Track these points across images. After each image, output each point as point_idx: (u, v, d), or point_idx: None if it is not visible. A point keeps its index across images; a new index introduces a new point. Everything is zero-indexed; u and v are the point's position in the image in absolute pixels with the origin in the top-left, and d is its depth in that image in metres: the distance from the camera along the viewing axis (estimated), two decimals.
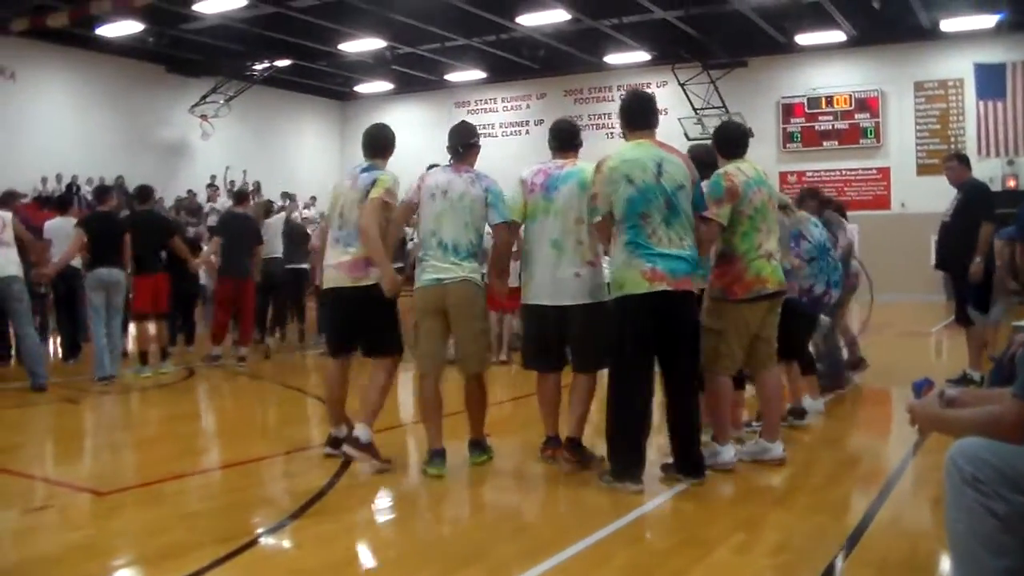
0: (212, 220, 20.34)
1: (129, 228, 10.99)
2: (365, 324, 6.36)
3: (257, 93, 28.90)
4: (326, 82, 29.80)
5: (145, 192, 11.86)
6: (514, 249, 6.64)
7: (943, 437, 3.35)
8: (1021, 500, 2.86)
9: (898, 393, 8.53)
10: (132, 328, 12.78)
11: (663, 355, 5.80)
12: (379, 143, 6.60)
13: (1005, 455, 2.91)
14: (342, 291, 6.31)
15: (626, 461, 5.67)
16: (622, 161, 5.71)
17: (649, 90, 27.70)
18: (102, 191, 11.80)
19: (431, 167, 6.81)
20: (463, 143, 6.39)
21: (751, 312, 6.12)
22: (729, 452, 6.15)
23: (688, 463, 5.80)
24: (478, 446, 6.44)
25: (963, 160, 9.82)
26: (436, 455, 6.07)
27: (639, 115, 6.02)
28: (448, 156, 6.43)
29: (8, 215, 10.31)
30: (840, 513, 5.44)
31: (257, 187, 24.97)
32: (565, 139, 6.42)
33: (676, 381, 5.85)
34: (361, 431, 6.13)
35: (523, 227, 6.30)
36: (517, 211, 6.22)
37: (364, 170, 6.40)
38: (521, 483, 6.13)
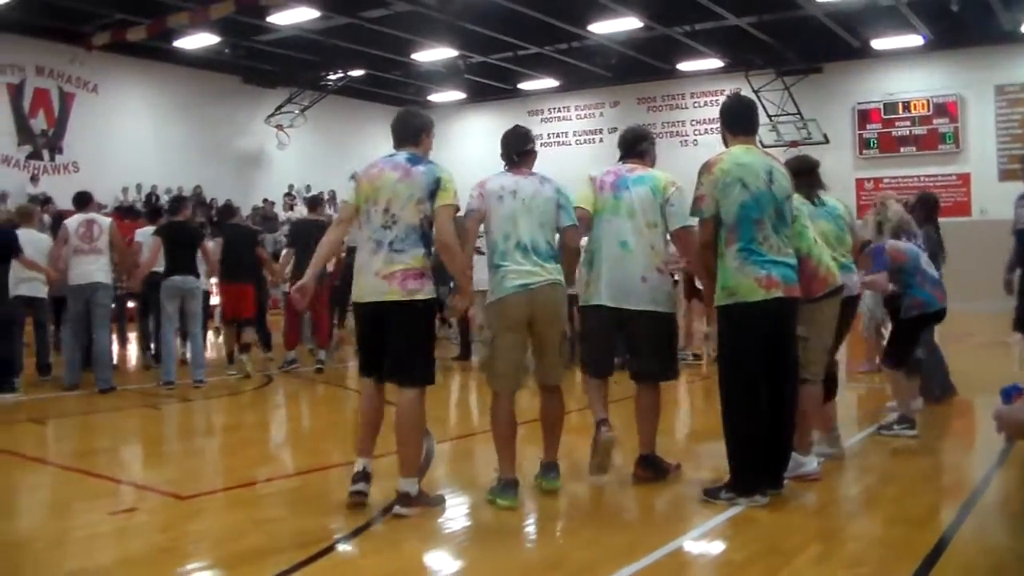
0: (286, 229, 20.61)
1: (220, 238, 11.55)
2: (403, 345, 5.45)
3: (331, 103, 29.23)
4: (399, 91, 30.03)
5: (228, 210, 12.63)
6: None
7: None
8: None
9: (981, 403, 8.37)
10: (211, 335, 13.10)
11: (767, 361, 5.56)
12: (412, 129, 5.71)
13: None
14: (388, 306, 5.39)
15: (755, 475, 5.49)
16: (735, 165, 5.52)
17: (722, 97, 27.85)
18: (177, 201, 12.13)
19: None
20: (519, 150, 5.93)
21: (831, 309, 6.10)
22: (813, 463, 6.08)
23: (775, 475, 5.66)
24: (553, 469, 5.91)
25: None
26: (509, 485, 5.57)
27: (745, 119, 5.88)
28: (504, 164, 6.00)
29: (107, 221, 10.62)
30: (921, 525, 5.34)
31: (332, 195, 25.20)
32: (627, 145, 6.33)
33: (781, 389, 5.62)
34: (408, 485, 5.37)
35: (591, 226, 6.07)
36: (587, 201, 6.02)
37: (412, 161, 5.52)
38: (593, 491, 6.04)
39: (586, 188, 6.09)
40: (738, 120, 5.85)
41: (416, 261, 5.38)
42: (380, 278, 5.37)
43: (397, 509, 5.33)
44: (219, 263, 11.89)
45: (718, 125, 6.02)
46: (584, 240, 6.09)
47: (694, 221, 5.76)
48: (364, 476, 5.48)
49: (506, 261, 5.64)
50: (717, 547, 4.89)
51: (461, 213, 5.73)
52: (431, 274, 5.49)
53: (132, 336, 14.75)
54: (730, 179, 5.46)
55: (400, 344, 5.44)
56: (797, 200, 6.01)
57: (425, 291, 5.41)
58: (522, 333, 5.70)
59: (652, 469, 6.04)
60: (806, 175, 6.50)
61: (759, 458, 5.50)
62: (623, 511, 5.70)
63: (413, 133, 5.69)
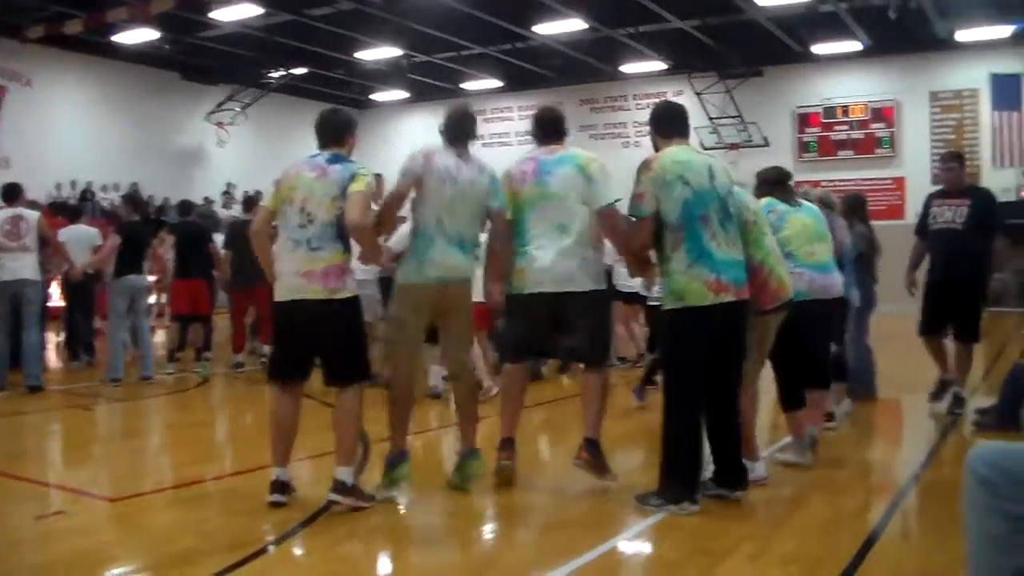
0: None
1: (174, 235, 11.63)
2: (335, 345, 5.46)
3: (273, 101, 28.99)
4: (342, 90, 29.85)
5: (186, 206, 12.83)
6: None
7: (960, 449, 3.35)
8: None
9: (909, 403, 8.50)
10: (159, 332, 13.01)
11: (716, 366, 5.48)
12: (336, 129, 5.70)
13: (1019, 460, 3.00)
14: (309, 305, 5.34)
15: (688, 482, 5.38)
16: (675, 162, 5.42)
17: (664, 99, 27.95)
18: (133, 201, 12.14)
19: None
20: (471, 134, 5.99)
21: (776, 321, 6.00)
22: (762, 467, 6.08)
23: (734, 475, 5.64)
24: (471, 454, 5.92)
25: (963, 161, 9.24)
26: (403, 456, 5.79)
27: (677, 122, 5.77)
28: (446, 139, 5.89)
29: (35, 216, 10.43)
30: (852, 523, 5.42)
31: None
32: (547, 127, 6.21)
33: (726, 393, 5.59)
34: (345, 474, 5.36)
35: (515, 221, 5.91)
36: (505, 203, 5.89)
37: (332, 160, 5.49)
38: (527, 493, 5.97)
39: (502, 190, 5.93)
40: (670, 123, 5.76)
41: (335, 258, 5.35)
42: (299, 277, 5.34)
43: (332, 496, 5.31)
44: (173, 260, 11.96)
45: (665, 100, 6.05)
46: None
47: (614, 198, 5.81)
48: (281, 487, 5.45)
49: (431, 247, 5.64)
50: (651, 547, 4.92)
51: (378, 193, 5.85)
52: (351, 269, 5.50)
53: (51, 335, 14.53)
54: (670, 176, 5.35)
55: (328, 344, 5.46)
56: (764, 205, 6.05)
57: (348, 288, 5.40)
58: (426, 319, 5.82)
59: (595, 455, 5.85)
60: (781, 183, 6.53)
61: (693, 465, 5.43)
62: (557, 512, 5.64)
63: (337, 132, 5.69)
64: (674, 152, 5.53)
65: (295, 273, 5.35)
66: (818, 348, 6.81)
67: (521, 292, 5.87)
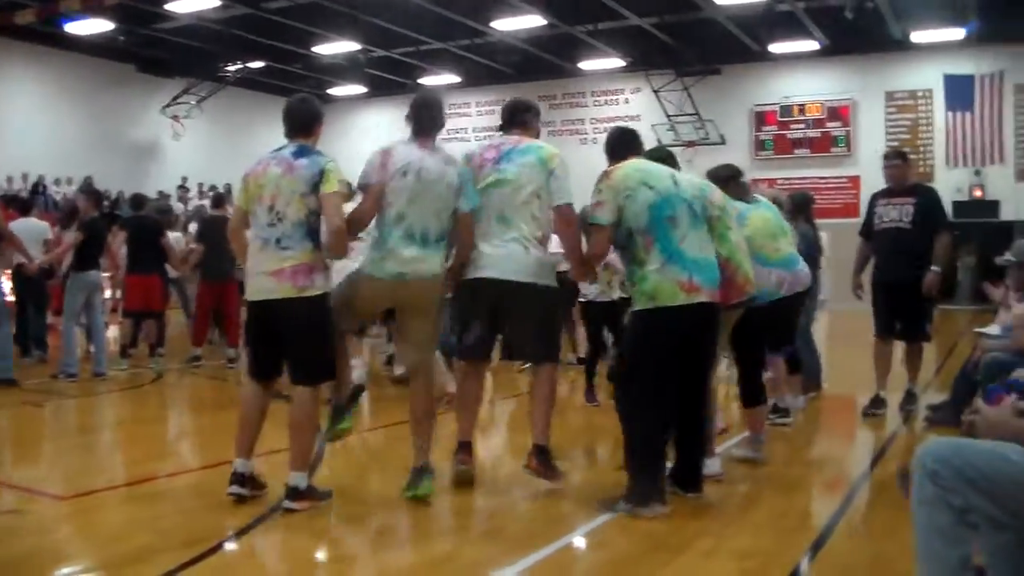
0: (192, 223, 20.31)
1: (126, 230, 11.71)
2: (306, 344, 5.37)
3: (229, 94, 28.80)
4: (299, 84, 29.65)
5: (138, 200, 12.46)
6: None
7: (911, 445, 3.41)
8: (976, 497, 3.04)
9: (863, 400, 8.58)
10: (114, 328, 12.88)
11: (685, 367, 5.43)
12: (304, 118, 5.56)
13: (967, 455, 3.08)
14: (278, 304, 5.28)
15: (656, 483, 5.31)
16: (635, 170, 5.44)
17: (622, 96, 28.08)
18: (95, 195, 12.03)
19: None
20: (438, 123, 5.74)
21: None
22: (716, 464, 6.09)
23: (691, 478, 5.62)
24: (424, 473, 5.56)
25: (907, 159, 9.08)
26: (351, 397, 5.85)
27: (630, 144, 5.82)
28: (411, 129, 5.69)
29: None
30: (806, 518, 5.49)
31: (229, 190, 24.83)
32: (509, 115, 6.14)
33: (695, 394, 5.57)
34: (299, 479, 5.29)
35: None
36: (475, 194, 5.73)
37: (297, 154, 5.36)
38: (483, 490, 5.94)
39: (474, 189, 5.75)
40: (625, 146, 5.80)
41: (305, 256, 5.24)
42: (268, 276, 5.26)
43: (286, 503, 5.23)
44: (126, 255, 11.75)
45: (616, 126, 6.02)
46: None
47: (571, 198, 5.72)
48: (241, 478, 5.38)
49: (390, 242, 5.42)
50: (606, 543, 4.92)
51: (354, 187, 5.72)
52: (324, 268, 5.37)
53: None
54: (633, 183, 5.35)
55: (296, 342, 5.35)
56: (727, 202, 6.05)
57: (317, 286, 5.29)
58: (372, 311, 5.90)
59: (544, 462, 5.73)
60: (733, 179, 6.54)
61: (660, 466, 5.40)
62: (514, 510, 5.63)
63: (305, 122, 5.55)
64: (634, 162, 5.57)
65: (264, 272, 5.28)
66: (790, 341, 7.09)
67: (466, 278, 5.73)
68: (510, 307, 5.73)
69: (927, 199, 8.55)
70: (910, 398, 8.53)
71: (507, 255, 5.61)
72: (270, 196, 5.28)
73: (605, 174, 5.49)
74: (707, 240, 5.52)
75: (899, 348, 8.64)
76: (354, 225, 5.50)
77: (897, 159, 8.84)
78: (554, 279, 5.88)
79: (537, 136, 6.10)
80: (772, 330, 6.62)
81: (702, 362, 5.59)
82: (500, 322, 5.87)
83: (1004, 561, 3.20)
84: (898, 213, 8.44)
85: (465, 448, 5.87)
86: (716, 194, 5.89)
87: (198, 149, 28.74)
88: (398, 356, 5.91)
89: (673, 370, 5.35)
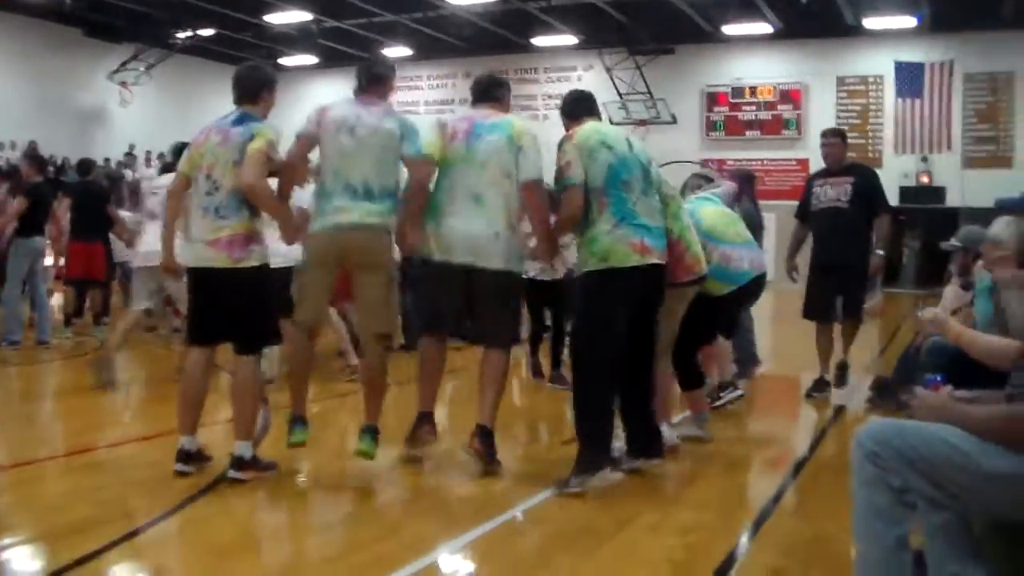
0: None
1: (71, 196, 11.51)
2: (243, 313, 5.31)
3: (179, 62, 28.41)
4: (250, 53, 29.18)
5: (85, 166, 12.20)
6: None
7: (850, 426, 3.46)
8: (914, 477, 3.11)
9: (806, 379, 8.66)
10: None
11: (635, 330, 5.42)
12: (250, 85, 5.48)
13: (907, 437, 3.14)
14: (214, 273, 5.24)
15: (606, 449, 5.36)
16: (595, 131, 5.46)
17: (575, 74, 28.02)
18: (37, 161, 11.79)
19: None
20: (369, 74, 5.61)
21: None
22: (673, 434, 6.15)
23: (651, 442, 5.63)
24: (370, 432, 5.48)
25: (845, 138, 8.88)
26: (297, 421, 5.49)
27: (585, 102, 5.82)
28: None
29: None
30: (749, 495, 5.56)
31: (175, 150, 24.52)
32: (481, 89, 5.97)
33: (644, 358, 5.59)
34: (244, 448, 5.26)
35: (436, 175, 5.66)
36: (433, 148, 5.57)
37: (236, 122, 5.31)
38: (428, 466, 5.88)
39: (433, 136, 5.64)
40: (580, 104, 5.80)
41: (241, 226, 5.21)
42: (206, 245, 5.23)
43: (231, 473, 5.20)
44: (70, 221, 11.52)
45: (573, 89, 6.02)
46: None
47: (541, 175, 5.60)
48: (186, 455, 5.33)
49: (331, 200, 5.36)
50: (548, 518, 4.93)
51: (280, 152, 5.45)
52: (261, 237, 5.34)
53: None
54: (594, 142, 5.36)
55: (234, 313, 5.29)
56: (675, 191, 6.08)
57: (253, 257, 5.25)
58: (330, 271, 5.51)
59: (487, 444, 5.56)
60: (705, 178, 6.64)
61: (609, 431, 5.40)
62: (457, 485, 5.56)
63: (252, 89, 5.46)
64: (591, 124, 5.59)
65: (202, 241, 5.25)
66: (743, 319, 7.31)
67: (431, 258, 5.62)
68: (475, 292, 5.62)
69: (865, 179, 8.48)
70: (842, 370, 8.51)
71: (477, 239, 5.50)
72: (208, 165, 5.26)
73: (567, 136, 5.49)
74: (658, 208, 5.56)
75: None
76: (284, 174, 5.47)
77: (834, 137, 8.71)
78: (522, 264, 5.86)
79: (507, 111, 5.96)
80: (728, 314, 6.71)
81: (650, 326, 5.61)
82: (465, 305, 5.74)
83: (942, 541, 3.26)
84: (835, 193, 8.35)
85: (426, 419, 5.80)
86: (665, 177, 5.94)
87: (146, 116, 28.33)
88: (358, 320, 5.74)
89: (624, 333, 5.34)
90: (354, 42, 28.21)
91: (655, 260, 5.36)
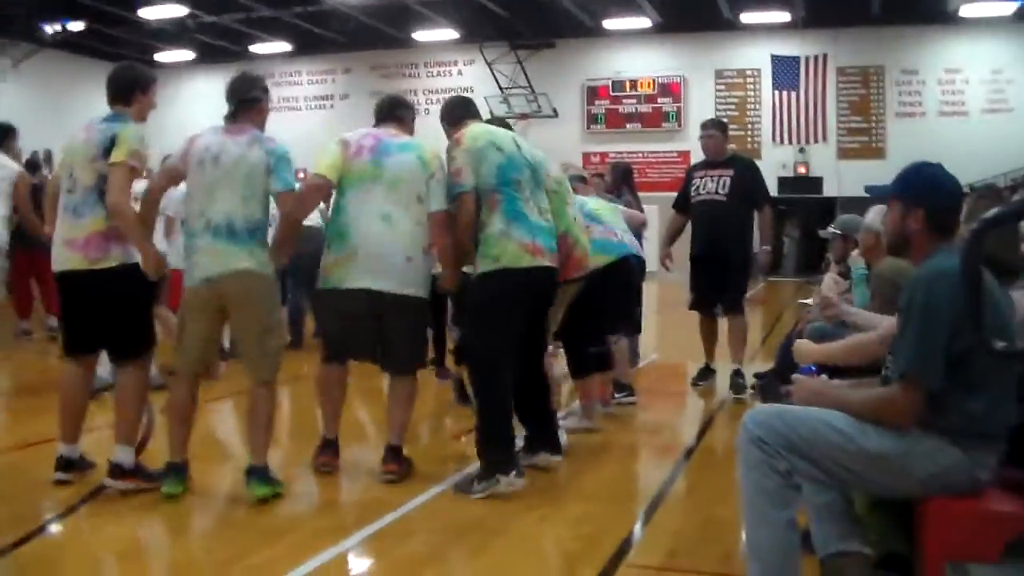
0: None
1: None
2: (111, 319, 5.00)
3: (47, 57, 27.51)
4: (124, 49, 28.56)
5: None
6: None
7: (737, 413, 3.51)
8: (798, 460, 3.19)
9: (694, 368, 8.77)
10: None
11: (528, 331, 5.37)
12: (121, 85, 5.15)
13: (788, 421, 3.23)
14: (77, 276, 4.95)
15: (510, 453, 5.19)
16: (483, 131, 5.41)
17: (456, 68, 27.93)
18: None
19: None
20: (239, 98, 5.20)
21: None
22: (563, 435, 6.14)
23: (552, 440, 5.64)
24: (261, 475, 5.00)
25: (725, 129, 8.66)
26: (173, 469, 5.00)
27: (466, 106, 5.73)
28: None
29: None
30: (641, 483, 5.61)
31: (48, 156, 23.85)
32: (384, 109, 5.69)
33: (536, 358, 5.60)
34: (124, 454, 4.97)
35: (337, 195, 5.40)
36: (332, 169, 5.27)
37: (104, 120, 5.03)
38: (311, 474, 5.62)
39: (333, 154, 5.33)
40: (460, 110, 5.68)
41: (98, 224, 4.89)
42: (66, 245, 4.96)
43: (107, 481, 4.95)
44: None
45: (451, 95, 5.93)
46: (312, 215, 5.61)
47: (444, 205, 5.34)
48: (66, 463, 5.08)
49: (195, 243, 4.99)
50: (443, 511, 4.90)
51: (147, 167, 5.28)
52: (121, 238, 4.93)
53: None
54: (483, 143, 5.30)
55: (99, 317, 5.01)
56: (564, 178, 6.07)
57: (112, 257, 4.90)
58: (212, 318, 5.09)
59: (400, 462, 5.38)
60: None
61: (512, 434, 5.27)
62: (354, 481, 5.52)
63: (125, 89, 5.15)
64: (478, 125, 5.55)
65: (61, 242, 5.00)
66: (632, 301, 7.45)
67: (337, 287, 5.29)
68: (386, 318, 5.33)
69: (745, 171, 8.34)
70: (737, 377, 8.17)
71: (386, 264, 5.21)
72: (69, 163, 5.04)
73: (455, 141, 5.38)
74: (547, 208, 5.51)
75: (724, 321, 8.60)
76: (145, 204, 5.20)
77: (714, 128, 8.52)
78: (428, 288, 5.51)
79: (411, 133, 5.70)
80: (616, 301, 6.79)
81: (541, 326, 5.62)
82: (373, 330, 5.39)
83: (828, 521, 3.36)
84: (715, 185, 8.20)
85: (329, 447, 5.51)
86: (554, 167, 5.92)
87: (13, 113, 27.08)
88: (243, 364, 5.29)
89: (519, 334, 5.28)
90: (232, 37, 27.76)
91: (547, 263, 5.30)
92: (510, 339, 5.25)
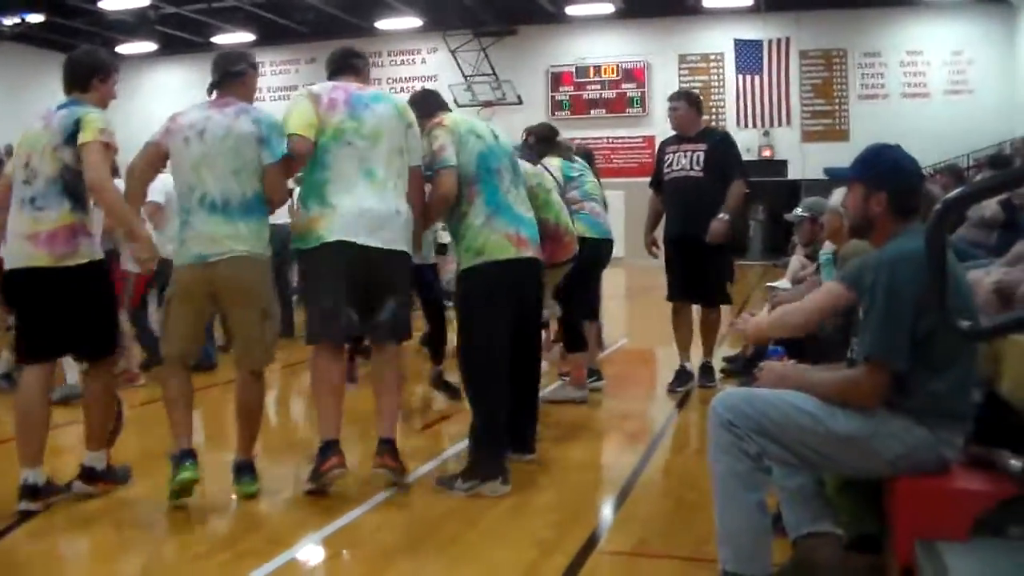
0: None
1: None
2: (81, 320, 4.67)
3: (6, 51, 27.18)
4: (84, 41, 28.23)
5: None
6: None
7: (706, 398, 3.52)
8: (768, 443, 3.21)
9: (664, 354, 8.78)
10: None
11: (519, 324, 5.17)
12: (81, 70, 4.81)
13: (758, 404, 3.25)
14: (38, 273, 4.59)
15: (499, 457, 5.01)
16: (462, 119, 5.28)
17: (419, 56, 27.82)
18: None
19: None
20: (223, 71, 4.94)
21: None
22: None
23: (530, 438, 5.47)
24: (247, 470, 4.91)
25: (694, 101, 7.93)
26: (185, 455, 4.72)
27: (436, 97, 5.57)
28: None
29: None
30: (610, 470, 5.60)
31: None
32: (337, 60, 5.30)
33: (530, 353, 5.43)
34: (96, 459, 4.81)
35: (317, 151, 4.86)
36: (309, 127, 4.82)
37: (62, 107, 4.69)
38: (277, 470, 5.76)
39: (305, 110, 4.88)
40: (432, 100, 5.49)
41: (63, 218, 4.57)
42: (25, 240, 4.59)
43: (78, 486, 4.75)
44: None
45: (415, 84, 5.87)
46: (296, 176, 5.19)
47: (420, 161, 5.12)
48: (32, 490, 4.59)
49: (189, 220, 4.72)
50: (416, 502, 4.89)
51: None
52: (88, 230, 4.71)
53: None
54: (463, 129, 5.13)
55: (65, 318, 4.65)
56: (563, 168, 6.13)
57: (81, 253, 4.61)
58: (200, 306, 4.86)
59: (396, 459, 4.98)
60: (555, 141, 6.65)
61: (503, 441, 5.11)
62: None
63: (80, 77, 4.79)
64: (455, 113, 5.42)
65: (21, 236, 4.62)
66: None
67: (321, 243, 4.81)
68: (375, 279, 4.90)
69: (718, 144, 7.68)
70: (707, 372, 7.80)
71: (376, 217, 4.82)
72: (26, 153, 4.66)
73: (437, 123, 5.15)
74: (526, 199, 5.39)
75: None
76: (131, 182, 4.85)
77: (679, 100, 7.82)
78: (413, 248, 5.17)
79: (368, 83, 5.34)
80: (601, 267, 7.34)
81: (534, 319, 5.49)
82: (363, 296, 4.95)
83: (799, 503, 3.39)
84: (688, 160, 7.57)
85: (332, 448, 4.84)
86: (526, 165, 5.94)
87: None
88: (233, 351, 5.09)
89: (509, 328, 5.09)
90: (194, 28, 27.53)
91: (531, 254, 5.18)
92: (504, 336, 5.07)
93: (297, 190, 5.14)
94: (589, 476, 5.42)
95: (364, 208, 4.79)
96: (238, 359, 4.96)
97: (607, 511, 4.76)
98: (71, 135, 4.55)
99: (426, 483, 5.13)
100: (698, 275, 7.57)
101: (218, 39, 28.38)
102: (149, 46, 29.79)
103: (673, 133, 7.86)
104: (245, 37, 28.30)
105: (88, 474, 4.80)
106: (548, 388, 6.93)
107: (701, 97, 8.14)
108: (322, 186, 4.84)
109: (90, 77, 4.80)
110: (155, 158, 4.86)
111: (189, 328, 4.88)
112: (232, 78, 4.95)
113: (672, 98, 7.89)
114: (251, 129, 4.75)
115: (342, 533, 4.41)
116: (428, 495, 4.96)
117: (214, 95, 4.97)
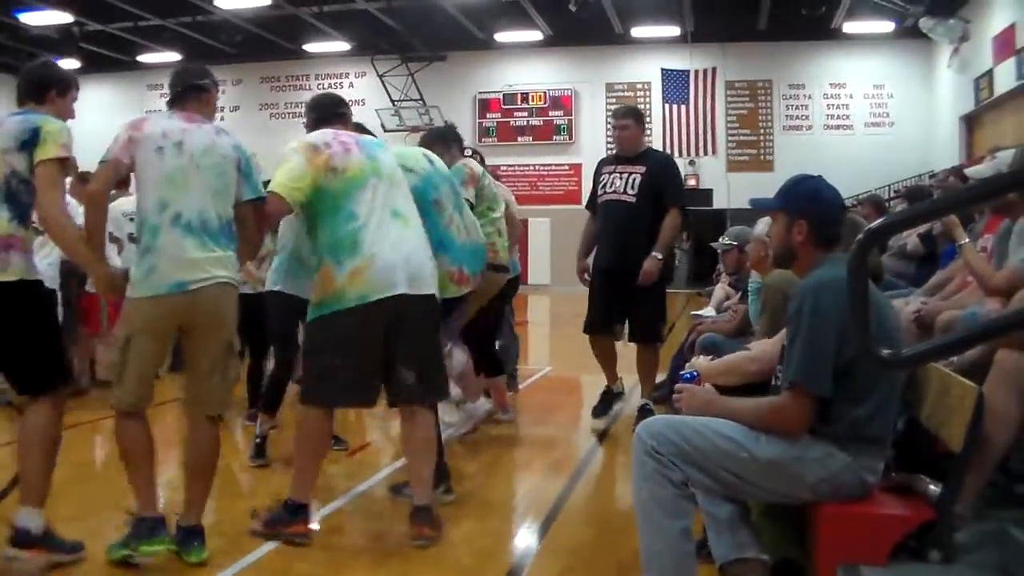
0: None
1: None
2: (7, 344, 4.06)
3: None
4: (4, 56, 27.86)
5: None
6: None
7: (631, 425, 3.51)
8: (692, 470, 3.23)
9: (588, 381, 8.79)
10: None
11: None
12: (37, 81, 4.30)
13: (682, 431, 3.27)
14: None
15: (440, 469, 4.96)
16: (394, 154, 4.86)
17: (347, 80, 27.75)
18: None
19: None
20: (186, 84, 4.36)
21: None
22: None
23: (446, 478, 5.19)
24: (202, 537, 4.23)
25: (641, 119, 7.42)
26: (155, 524, 4.12)
27: (338, 105, 4.99)
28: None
29: None
30: (535, 498, 5.56)
31: None
32: (324, 108, 4.91)
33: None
34: (30, 519, 3.99)
35: (333, 207, 4.41)
36: (292, 189, 4.35)
37: (16, 114, 4.18)
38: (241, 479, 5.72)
39: (295, 167, 4.39)
40: (331, 109, 4.92)
41: None
42: None
43: (8, 553, 3.98)
44: None
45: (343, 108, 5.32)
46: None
47: None
48: None
49: (159, 242, 4.06)
50: (340, 528, 4.84)
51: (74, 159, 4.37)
52: (26, 246, 4.12)
53: None
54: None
55: (12, 346, 4.08)
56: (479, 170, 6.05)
57: (13, 268, 4.01)
58: (166, 343, 4.31)
59: (435, 524, 4.57)
60: (453, 136, 6.09)
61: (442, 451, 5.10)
62: (256, 500, 5.37)
63: (35, 89, 4.27)
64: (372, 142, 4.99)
65: None
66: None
67: (365, 302, 4.35)
68: (410, 331, 4.49)
69: (658, 168, 7.13)
70: (646, 415, 6.47)
71: (416, 262, 4.49)
72: None
73: None
74: (472, 221, 5.24)
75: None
76: (91, 209, 4.10)
77: (627, 118, 7.25)
78: None
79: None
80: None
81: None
82: (392, 354, 4.51)
83: (726, 530, 3.40)
84: (622, 183, 7.04)
85: (303, 513, 4.54)
86: (471, 163, 6.03)
87: None
88: (188, 391, 4.35)
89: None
90: (119, 47, 27.20)
91: (468, 289, 5.15)
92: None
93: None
94: (512, 504, 5.41)
95: (405, 254, 4.47)
96: (193, 401, 4.31)
97: (531, 539, 4.73)
98: (25, 142, 4.02)
99: (352, 509, 5.09)
100: (628, 311, 7.15)
101: (144, 58, 28.15)
102: (73, 63, 29.31)
103: (612, 152, 7.51)
104: (171, 57, 27.98)
105: (22, 536, 4.01)
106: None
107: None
108: (354, 234, 4.39)
109: (46, 89, 4.29)
110: (114, 176, 4.24)
111: (151, 369, 4.27)
112: (195, 92, 4.36)
113: (620, 115, 7.33)
114: (232, 153, 4.27)
115: (266, 560, 4.32)
116: (354, 520, 4.97)
117: (172, 110, 4.36)
